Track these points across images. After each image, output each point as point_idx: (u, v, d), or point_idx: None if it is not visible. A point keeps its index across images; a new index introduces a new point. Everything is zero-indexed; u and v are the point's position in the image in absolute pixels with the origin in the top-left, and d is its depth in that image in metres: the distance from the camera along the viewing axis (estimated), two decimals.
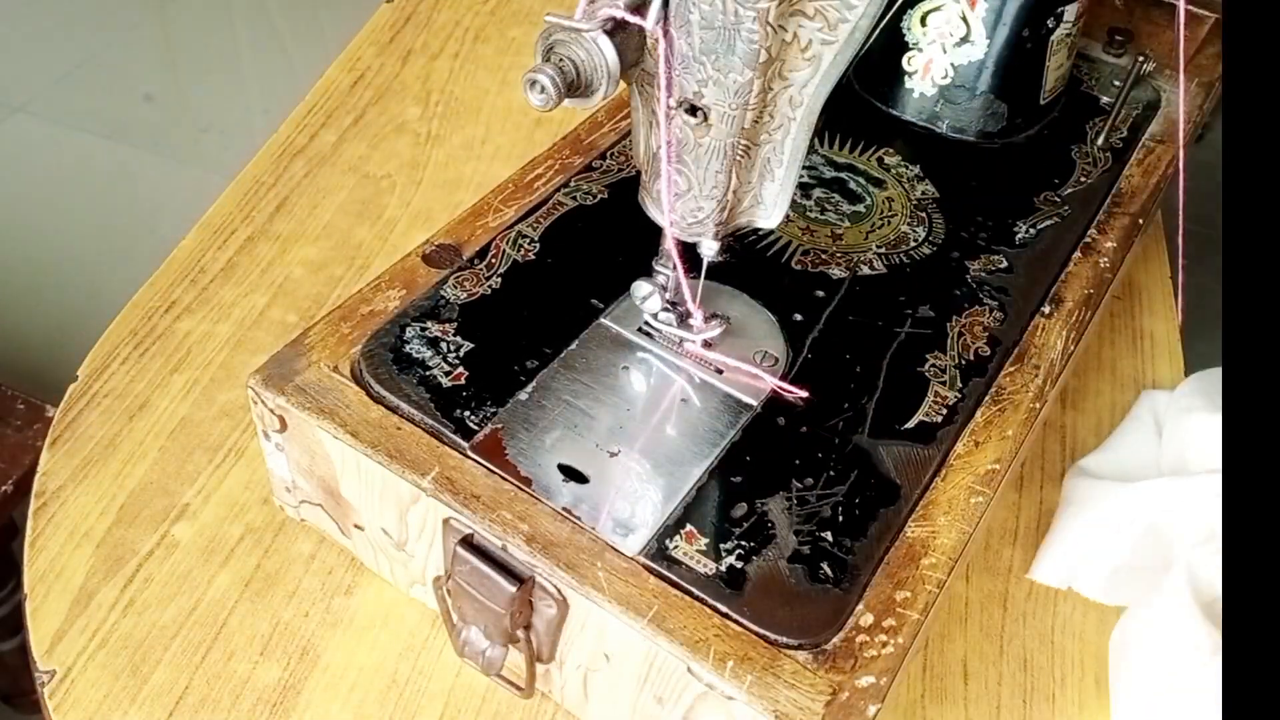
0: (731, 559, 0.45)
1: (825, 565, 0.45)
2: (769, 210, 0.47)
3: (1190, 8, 0.79)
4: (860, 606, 0.44)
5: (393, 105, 0.83)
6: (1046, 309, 0.58)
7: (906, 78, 0.69)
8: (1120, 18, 0.80)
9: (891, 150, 0.68)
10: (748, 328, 0.55)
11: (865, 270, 0.59)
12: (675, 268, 0.49)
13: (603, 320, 0.54)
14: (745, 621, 0.43)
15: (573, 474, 0.47)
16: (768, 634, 0.43)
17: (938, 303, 0.58)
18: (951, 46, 0.67)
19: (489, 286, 0.55)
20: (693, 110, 0.42)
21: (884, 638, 0.43)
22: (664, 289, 0.51)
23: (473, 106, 0.84)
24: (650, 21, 0.40)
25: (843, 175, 0.66)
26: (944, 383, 0.54)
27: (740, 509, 0.47)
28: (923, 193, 0.65)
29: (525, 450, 0.48)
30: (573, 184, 0.62)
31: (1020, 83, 0.68)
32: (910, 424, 0.52)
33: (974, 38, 0.66)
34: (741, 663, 0.41)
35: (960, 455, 0.51)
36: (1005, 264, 0.61)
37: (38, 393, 0.88)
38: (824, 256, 0.60)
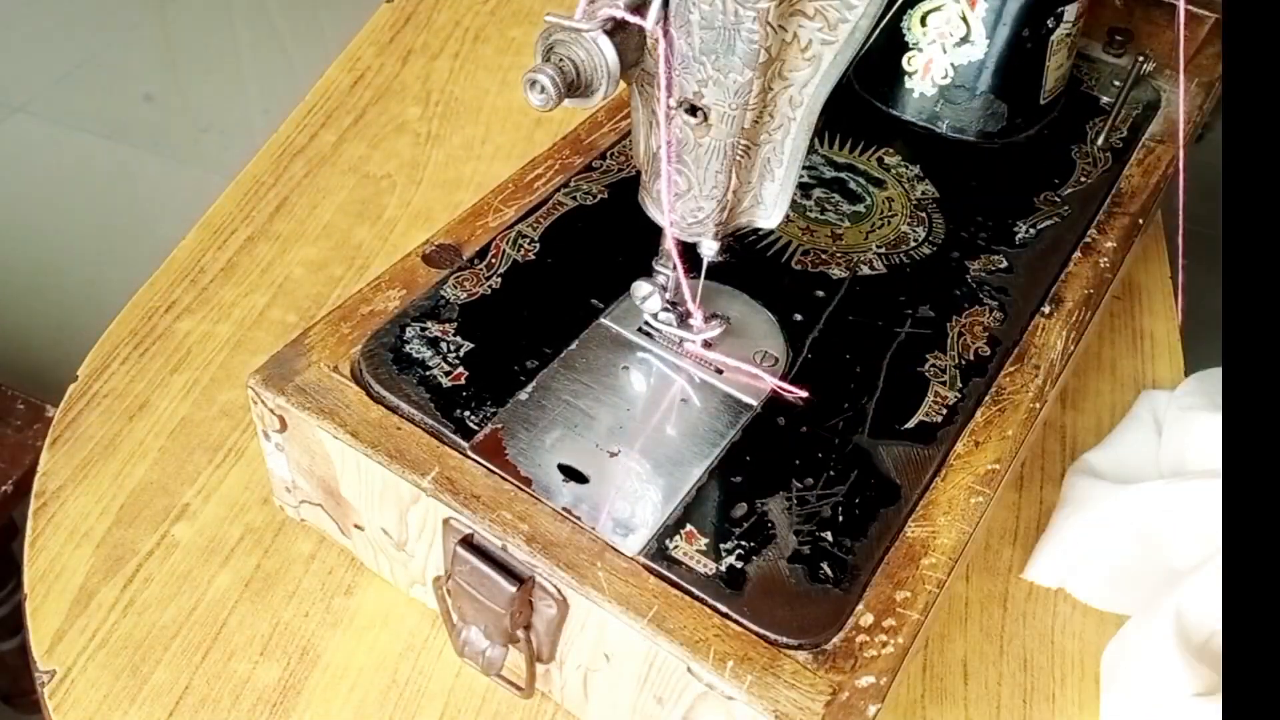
0: (731, 559, 0.45)
1: (825, 565, 0.45)
2: (769, 210, 0.47)
3: (1190, 8, 0.79)
4: (860, 606, 0.44)
5: (393, 105, 0.83)
6: (1046, 309, 0.58)
7: (906, 78, 0.69)
8: (1120, 18, 0.80)
9: (891, 150, 0.68)
10: (748, 328, 0.55)
11: (865, 270, 0.59)
12: (675, 268, 0.49)
13: (603, 320, 0.54)
14: (745, 621, 0.43)
15: (573, 474, 0.47)
16: (768, 634, 0.43)
17: (938, 303, 0.58)
18: (951, 46, 0.67)
19: (489, 286, 0.55)
20: (693, 110, 0.42)
21: (884, 638, 0.43)
22: (664, 289, 0.51)
23: (473, 106, 0.84)
24: (650, 21, 0.40)
25: (843, 175, 0.66)
26: (944, 383, 0.54)
27: (740, 509, 0.47)
28: (923, 193, 0.65)
29: (525, 450, 0.48)
30: (573, 184, 0.62)
31: (1020, 83, 0.68)
32: (910, 424, 0.52)
33: (974, 38, 0.66)
34: (741, 663, 0.41)
35: (960, 455, 0.51)
36: (1005, 264, 0.61)
37: (38, 393, 0.88)
38: (824, 256, 0.60)
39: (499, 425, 0.49)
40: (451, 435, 0.48)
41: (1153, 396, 0.65)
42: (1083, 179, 0.68)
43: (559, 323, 0.54)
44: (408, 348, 0.51)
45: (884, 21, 0.55)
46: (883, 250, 0.61)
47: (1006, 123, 0.69)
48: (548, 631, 0.46)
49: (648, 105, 0.45)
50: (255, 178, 0.75)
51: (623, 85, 0.44)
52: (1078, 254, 0.62)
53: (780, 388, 0.52)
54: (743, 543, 0.46)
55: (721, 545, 0.46)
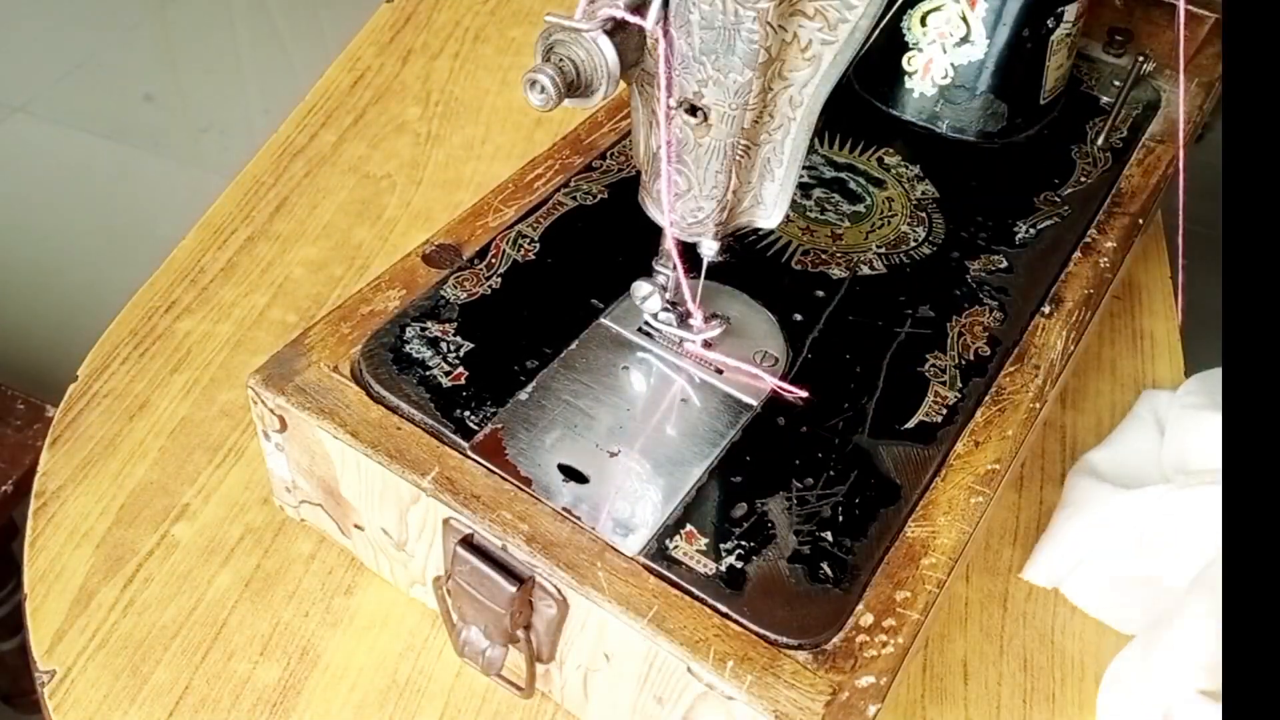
0: (731, 559, 0.45)
1: (825, 565, 0.45)
2: (769, 210, 0.47)
3: (1190, 8, 0.79)
4: (860, 606, 0.44)
5: (393, 105, 0.83)
6: (1046, 309, 0.58)
7: (906, 78, 0.69)
8: (1120, 18, 0.80)
9: (891, 150, 0.68)
10: (748, 328, 0.55)
11: (865, 270, 0.59)
12: (675, 268, 0.49)
13: (603, 320, 0.54)
14: (745, 621, 0.43)
15: (573, 474, 0.47)
16: (768, 634, 0.43)
17: (938, 303, 0.58)
18: (951, 46, 0.67)
19: (489, 286, 0.55)
20: (693, 110, 0.42)
21: (884, 638, 0.43)
22: (664, 289, 0.51)
23: (473, 106, 0.84)
24: (650, 21, 0.40)
25: (843, 175, 0.66)
26: (944, 383, 0.54)
27: (740, 509, 0.47)
28: (923, 193, 0.65)
29: (525, 450, 0.48)
30: (573, 184, 0.62)
31: (1020, 83, 0.68)
32: (910, 424, 0.52)
33: (974, 38, 0.66)
34: (741, 663, 0.41)
35: (960, 455, 0.51)
36: (1005, 264, 0.61)
37: (38, 393, 0.88)
38: (824, 256, 0.60)
39: (499, 425, 0.49)
40: (451, 435, 0.48)
41: (1154, 396, 0.65)
42: (1083, 179, 0.68)
43: (559, 323, 0.54)
44: (408, 348, 0.51)
45: (884, 21, 0.55)
46: (883, 250, 0.61)
47: (1006, 123, 0.69)
48: (548, 631, 0.46)
49: (648, 105, 0.45)
50: (255, 178, 0.75)
51: (623, 85, 0.44)
52: (1078, 254, 0.62)
53: (780, 388, 0.52)
54: (743, 543, 0.46)
55: (721, 545, 0.46)
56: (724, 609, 0.43)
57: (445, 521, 0.46)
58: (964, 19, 0.66)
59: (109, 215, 1.61)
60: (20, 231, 1.57)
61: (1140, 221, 0.65)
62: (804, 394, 0.52)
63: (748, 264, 0.58)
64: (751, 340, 0.54)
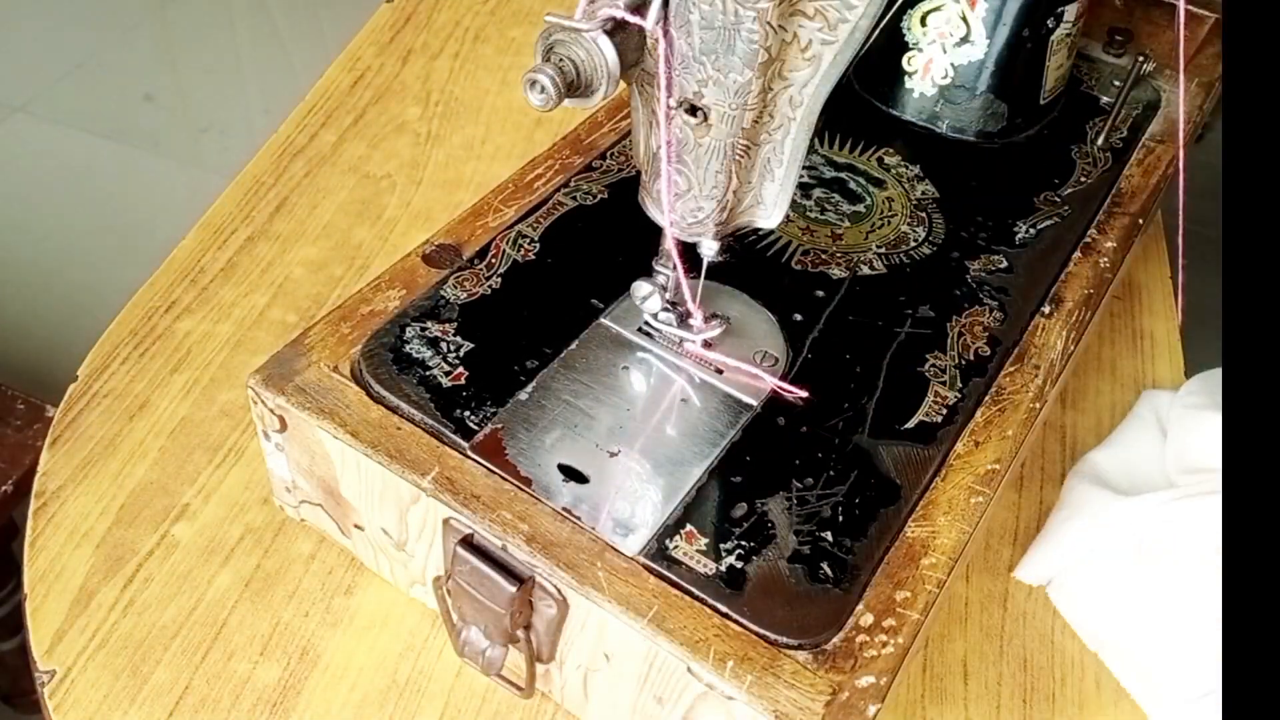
0: (731, 559, 0.45)
1: (825, 565, 0.45)
2: (769, 210, 0.47)
3: (1190, 8, 0.79)
4: (860, 606, 0.44)
5: (393, 105, 0.83)
6: (1046, 309, 0.58)
7: (906, 78, 0.69)
8: (1120, 18, 0.80)
9: (891, 150, 0.68)
10: (748, 328, 0.55)
11: (865, 270, 0.59)
12: (675, 268, 0.49)
13: (603, 320, 0.54)
14: (745, 621, 0.43)
15: (573, 474, 0.47)
16: (768, 634, 0.43)
17: (938, 303, 0.58)
18: (951, 46, 0.67)
19: (489, 286, 0.55)
20: (693, 110, 0.42)
21: (884, 638, 0.43)
22: (664, 289, 0.51)
23: (473, 106, 0.84)
24: (650, 21, 0.40)
25: (843, 175, 0.66)
26: (944, 383, 0.54)
27: (740, 509, 0.47)
28: (923, 193, 0.65)
29: (525, 450, 0.48)
30: (573, 184, 0.62)
31: (1020, 83, 0.68)
32: (910, 424, 0.52)
33: (974, 38, 0.66)
34: (741, 663, 0.41)
35: (960, 455, 0.51)
36: (1005, 264, 0.61)
37: (38, 393, 0.88)
38: (824, 256, 0.60)
39: (499, 425, 0.49)
40: (451, 435, 0.48)
41: (1155, 396, 0.65)
42: (1083, 179, 0.68)
43: (559, 323, 0.54)
44: (408, 348, 0.51)
45: (884, 21, 0.55)
46: (883, 250, 0.61)
47: (1006, 123, 0.69)
48: (548, 631, 0.46)
49: (648, 105, 0.45)
50: (255, 178, 0.75)
51: (623, 85, 0.44)
52: (1078, 254, 0.62)
53: (780, 388, 0.52)
54: (743, 543, 0.46)
55: (721, 545, 0.46)
56: (724, 609, 0.43)
57: (445, 521, 0.46)
58: (964, 19, 0.66)
59: (109, 215, 1.61)
60: (20, 231, 1.57)
61: (1140, 221, 0.65)
62: (804, 394, 0.52)
63: (748, 264, 0.58)
64: (751, 340, 0.54)
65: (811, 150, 0.67)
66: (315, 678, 0.51)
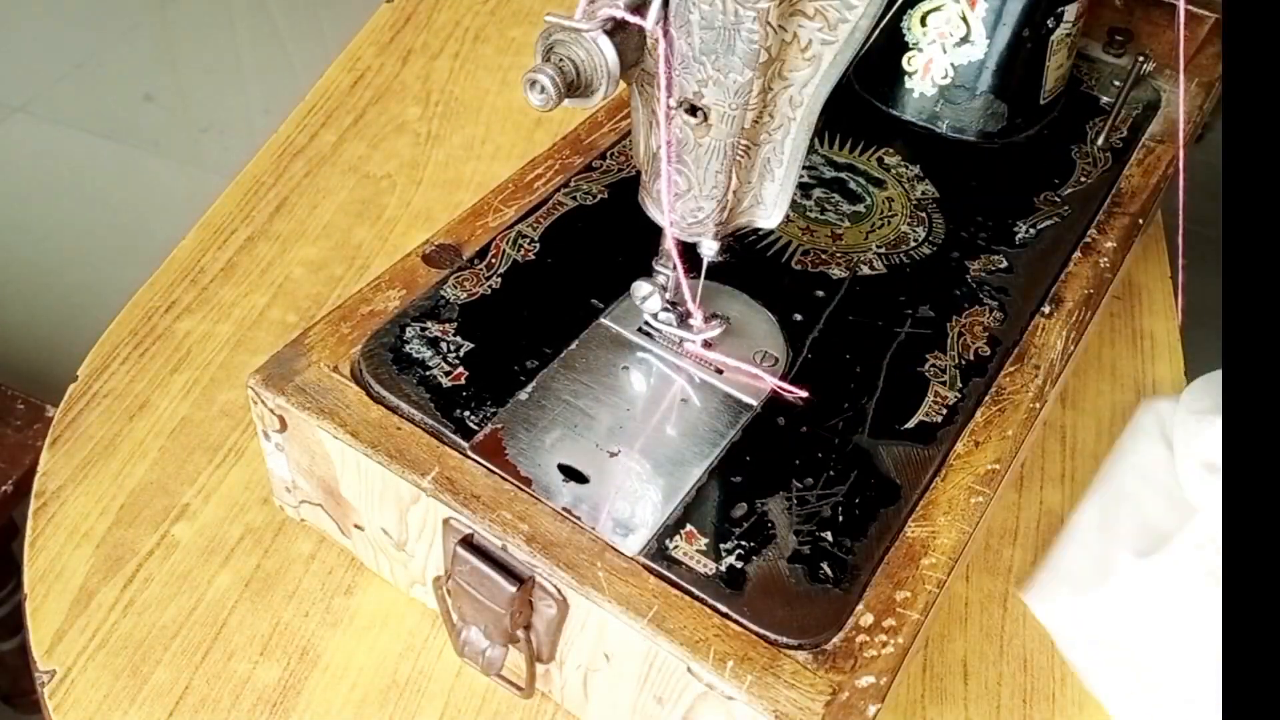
0: (731, 559, 0.45)
1: (825, 565, 0.45)
2: (769, 210, 0.47)
3: (1190, 8, 0.79)
4: (860, 606, 0.44)
5: (393, 105, 0.83)
6: (1046, 309, 0.58)
7: (906, 78, 0.69)
8: (1120, 18, 0.80)
9: (891, 150, 0.68)
10: (748, 328, 0.55)
11: (865, 270, 0.59)
12: (675, 268, 0.49)
13: (603, 320, 0.54)
14: (745, 621, 0.43)
15: (573, 474, 0.47)
16: (768, 634, 0.43)
17: (938, 303, 0.58)
18: (951, 46, 0.67)
19: (489, 286, 0.55)
20: (693, 110, 0.42)
21: (884, 638, 0.43)
22: (664, 289, 0.51)
23: (473, 106, 0.84)
24: (650, 21, 0.40)
25: (843, 175, 0.66)
26: (944, 383, 0.54)
27: (740, 509, 0.47)
28: (923, 193, 0.65)
29: (525, 450, 0.48)
30: (573, 184, 0.62)
31: (1020, 83, 0.68)
32: (910, 424, 0.52)
33: (974, 38, 0.66)
34: (741, 663, 0.41)
35: (960, 455, 0.51)
36: (1005, 264, 0.61)
37: (38, 393, 0.88)
38: (824, 256, 0.60)
39: (499, 425, 0.49)
40: (451, 435, 0.48)
41: (1155, 406, 0.65)
42: (1083, 179, 0.68)
43: (559, 323, 0.54)
44: (408, 348, 0.51)
45: (884, 21, 0.55)
46: (883, 250, 0.61)
47: (1006, 123, 0.69)
48: (548, 631, 0.46)
49: (648, 105, 0.45)
50: (255, 178, 0.75)
51: (623, 85, 0.44)
52: (1078, 254, 0.62)
53: (780, 388, 0.52)
54: (743, 543, 0.46)
55: (721, 545, 0.46)
56: (724, 609, 0.43)
57: (445, 521, 0.46)
58: (964, 19, 0.66)
59: (109, 215, 1.61)
60: (20, 231, 1.57)
61: (1140, 221, 0.65)
62: (804, 394, 0.52)
63: (748, 264, 0.58)
64: (751, 340, 0.54)
65: (811, 150, 0.67)
66: (315, 678, 0.51)
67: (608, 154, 0.64)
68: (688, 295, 0.50)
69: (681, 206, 0.46)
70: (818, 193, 0.64)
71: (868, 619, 0.44)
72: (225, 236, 0.71)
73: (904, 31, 0.67)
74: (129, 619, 0.52)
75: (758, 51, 0.40)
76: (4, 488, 0.82)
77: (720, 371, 0.52)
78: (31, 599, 0.52)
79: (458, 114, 0.83)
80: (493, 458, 0.47)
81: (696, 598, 0.44)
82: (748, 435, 0.50)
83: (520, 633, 0.46)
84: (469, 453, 0.47)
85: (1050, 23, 0.66)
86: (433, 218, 0.74)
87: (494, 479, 0.47)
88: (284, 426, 0.50)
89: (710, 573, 0.44)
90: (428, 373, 0.50)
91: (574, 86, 0.40)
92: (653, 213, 0.48)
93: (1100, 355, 0.70)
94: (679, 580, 0.44)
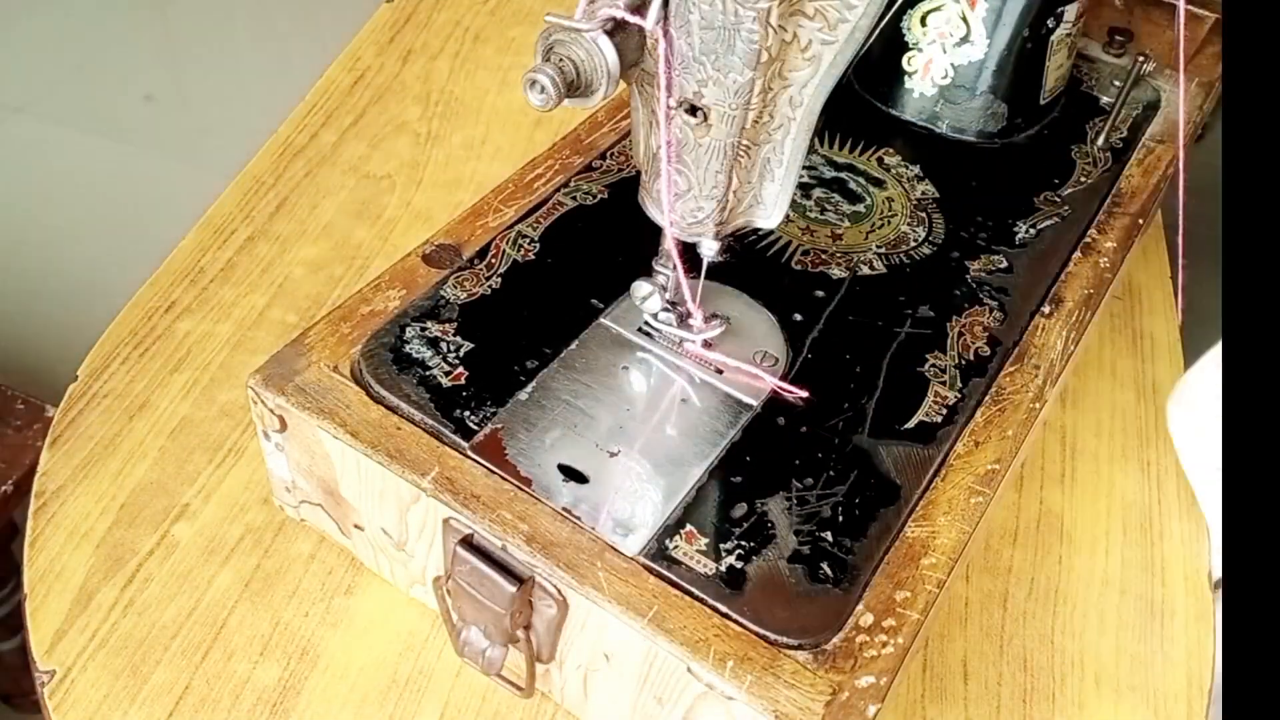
0: (731, 559, 0.45)
1: (825, 565, 0.45)
2: (769, 210, 0.47)
3: (1190, 8, 0.79)
4: (860, 606, 0.44)
5: (393, 105, 0.83)
6: (1046, 309, 0.58)
7: (906, 78, 0.69)
8: (1120, 18, 0.80)
9: (891, 150, 0.68)
10: (748, 328, 0.55)
11: (865, 270, 0.59)
12: (675, 268, 0.49)
13: (603, 320, 0.54)
14: (745, 621, 0.43)
15: (573, 474, 0.47)
16: (768, 634, 0.43)
17: (938, 303, 0.58)
18: (951, 46, 0.67)
19: (489, 286, 0.55)
20: (693, 110, 0.42)
21: (884, 638, 0.43)
22: (664, 289, 0.51)
23: (473, 106, 0.84)
24: (650, 21, 0.40)
25: (843, 175, 0.66)
26: (944, 383, 0.54)
27: (740, 509, 0.47)
28: (923, 193, 0.65)
29: (525, 450, 0.48)
30: (573, 184, 0.62)
31: (1020, 83, 0.68)
32: (910, 424, 0.52)
33: (974, 38, 0.66)
34: (741, 663, 0.41)
35: (960, 455, 0.51)
36: (1005, 264, 0.61)
37: (38, 393, 0.88)
38: (824, 256, 0.60)
39: (499, 425, 0.49)
40: (451, 435, 0.48)
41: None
42: (1083, 179, 0.68)
43: (559, 323, 0.54)
44: (408, 348, 0.51)
45: (884, 21, 0.55)
46: (883, 250, 0.61)
47: (1006, 123, 0.69)
48: (548, 631, 0.46)
49: (648, 105, 0.45)
50: (255, 178, 0.75)
51: (623, 85, 0.44)
52: (1078, 254, 0.62)
53: (780, 388, 0.52)
54: (743, 543, 0.46)
55: (721, 545, 0.46)
56: (724, 609, 0.43)
57: (445, 521, 0.46)
58: (964, 19, 0.66)
59: (109, 215, 1.61)
60: (20, 231, 1.57)
61: (1140, 221, 0.65)
62: (804, 394, 0.52)
63: (748, 264, 0.58)
64: (751, 340, 0.54)
65: (811, 150, 0.67)
66: (315, 678, 0.51)
67: (608, 154, 0.64)
68: (688, 295, 0.50)
69: (681, 206, 0.46)
70: (818, 193, 0.64)
71: (868, 619, 0.44)
72: (225, 236, 0.71)
73: (904, 31, 0.67)
74: (129, 619, 0.52)
75: (758, 51, 0.40)
76: (4, 488, 0.82)
77: (720, 371, 0.52)
78: (31, 599, 0.52)
79: (458, 114, 0.83)
80: (493, 458, 0.47)
81: (696, 598, 0.44)
82: (748, 435, 0.50)
83: (520, 633, 0.46)
84: (469, 453, 0.47)
85: (1050, 23, 0.66)
86: (433, 218, 0.74)
87: (494, 479, 0.47)
88: (284, 426, 0.50)
89: (710, 573, 0.44)
90: (428, 373, 0.50)
91: (574, 86, 0.40)
92: (653, 213, 0.48)
93: (1100, 355, 0.70)
94: (679, 580, 0.44)
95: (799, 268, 0.59)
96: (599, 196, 0.61)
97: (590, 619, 0.44)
